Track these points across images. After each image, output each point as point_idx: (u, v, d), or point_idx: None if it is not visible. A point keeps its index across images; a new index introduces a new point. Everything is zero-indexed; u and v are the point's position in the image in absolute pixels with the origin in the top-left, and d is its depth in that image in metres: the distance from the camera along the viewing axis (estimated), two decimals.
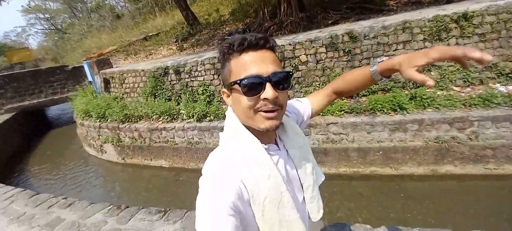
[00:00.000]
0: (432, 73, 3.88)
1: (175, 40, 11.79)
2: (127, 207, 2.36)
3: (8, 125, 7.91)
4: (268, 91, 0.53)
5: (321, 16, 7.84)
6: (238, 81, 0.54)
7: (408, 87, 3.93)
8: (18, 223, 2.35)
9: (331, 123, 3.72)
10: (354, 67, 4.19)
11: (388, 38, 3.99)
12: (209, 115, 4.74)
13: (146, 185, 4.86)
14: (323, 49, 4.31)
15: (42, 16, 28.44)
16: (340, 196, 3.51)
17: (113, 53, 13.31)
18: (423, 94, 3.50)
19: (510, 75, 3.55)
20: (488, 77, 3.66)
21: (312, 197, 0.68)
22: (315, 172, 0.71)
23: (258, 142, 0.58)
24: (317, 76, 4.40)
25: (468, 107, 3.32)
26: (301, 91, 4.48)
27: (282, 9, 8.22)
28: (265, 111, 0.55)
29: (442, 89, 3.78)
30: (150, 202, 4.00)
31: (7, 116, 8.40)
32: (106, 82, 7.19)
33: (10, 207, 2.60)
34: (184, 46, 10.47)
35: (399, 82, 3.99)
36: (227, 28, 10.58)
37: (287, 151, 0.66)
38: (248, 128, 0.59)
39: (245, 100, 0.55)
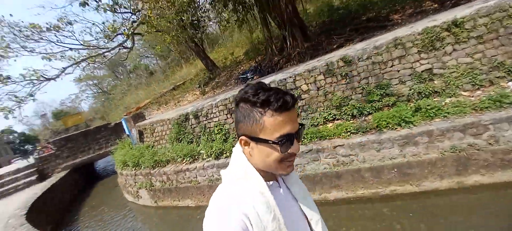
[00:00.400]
0: (435, 82, 3.85)
1: (198, 86, 13.04)
2: None
3: (63, 181, 9.21)
4: (296, 147, 0.60)
5: (326, 43, 8.23)
6: (277, 142, 0.58)
7: (413, 100, 3.91)
8: None
9: (338, 146, 3.80)
10: (354, 88, 4.35)
11: (382, 57, 4.15)
12: (225, 152, 5.12)
13: (172, 226, 5.19)
14: (321, 77, 4.59)
15: (91, 82, 33.86)
16: (363, 219, 3.39)
17: (148, 105, 14.99)
18: (428, 105, 3.47)
19: None
20: (497, 77, 3.51)
21: (319, 230, 0.71)
22: (315, 206, 0.74)
23: (264, 183, 0.62)
24: (320, 102, 4.61)
25: (480, 111, 3.19)
26: (307, 118, 4.68)
27: (288, 43, 8.83)
28: (289, 161, 0.62)
29: (450, 97, 3.69)
30: None
31: (62, 173, 9.82)
32: (140, 133, 8.21)
33: None
34: (206, 90, 11.50)
35: (403, 96, 4.00)
36: (241, 68, 11.51)
37: (288, 188, 0.72)
38: (255, 167, 0.63)
39: (276, 155, 0.59)
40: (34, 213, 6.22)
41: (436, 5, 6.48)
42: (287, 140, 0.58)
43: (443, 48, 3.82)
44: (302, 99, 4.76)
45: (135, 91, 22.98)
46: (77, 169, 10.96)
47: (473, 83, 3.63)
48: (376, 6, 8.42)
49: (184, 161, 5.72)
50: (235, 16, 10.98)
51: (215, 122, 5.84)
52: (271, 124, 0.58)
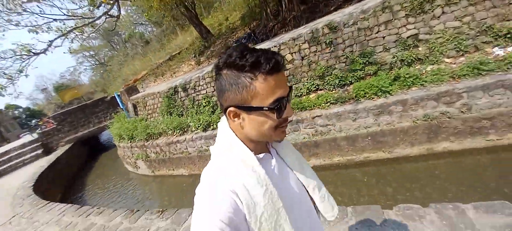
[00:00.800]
0: (419, 48, 3.72)
1: (193, 55, 12.65)
2: (138, 210, 2.96)
3: (68, 154, 9.70)
4: (289, 110, 0.57)
5: (323, 4, 7.73)
6: (273, 107, 0.53)
7: (396, 68, 3.83)
8: (66, 230, 3.15)
9: (316, 116, 3.86)
10: (338, 57, 4.25)
11: (369, 22, 3.95)
12: (212, 124, 5.25)
13: (169, 191, 5.61)
14: (306, 45, 4.44)
15: (87, 54, 33.11)
16: (339, 183, 3.61)
17: (146, 77, 14.78)
18: (406, 74, 3.42)
19: (509, 36, 3.22)
20: (484, 42, 3.37)
21: (322, 196, 0.69)
22: (313, 172, 0.72)
23: (253, 156, 0.58)
24: (304, 72, 4.55)
25: (457, 79, 3.15)
26: (293, 90, 4.66)
27: (283, 6, 8.30)
28: (283, 127, 0.58)
29: (433, 64, 3.60)
30: (169, 206, 4.66)
31: (66, 147, 10.28)
32: (134, 107, 8.33)
33: (61, 219, 3.46)
34: (201, 60, 11.17)
35: (386, 64, 3.91)
36: (237, 35, 11.02)
37: (282, 159, 0.68)
38: (245, 140, 0.60)
39: (271, 122, 0.55)
40: (42, 184, 6.71)
41: None
42: (281, 104, 0.54)
43: (432, 10, 3.60)
44: (287, 69, 4.69)
45: (132, 62, 22.21)
46: (81, 141, 11.43)
47: (458, 49, 3.51)
48: None
49: (175, 133, 5.91)
50: None
51: (203, 94, 5.87)
52: (264, 88, 0.52)
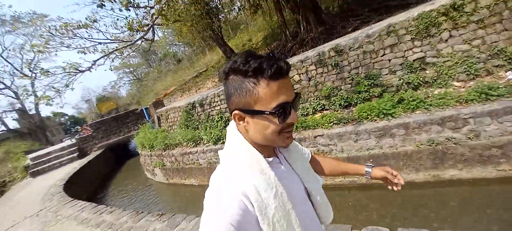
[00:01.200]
0: (427, 71, 3.66)
1: (217, 73, 13.41)
2: (142, 212, 3.24)
3: (98, 158, 10.70)
4: (294, 116, 0.58)
5: (340, 26, 7.90)
6: (274, 112, 0.54)
7: (403, 90, 3.78)
8: (82, 225, 3.54)
9: (318, 135, 3.91)
10: (344, 79, 4.32)
11: (374, 45, 4.01)
12: (222, 138, 5.53)
13: (178, 199, 5.89)
14: (313, 67, 4.61)
15: (127, 70, 37.08)
16: (342, 204, 3.53)
17: (174, 92, 15.91)
18: (410, 97, 3.37)
19: None
20: (496, 66, 3.22)
21: (321, 202, 0.71)
22: (317, 178, 0.75)
23: (262, 159, 0.59)
24: (311, 92, 4.67)
25: (464, 104, 3.02)
26: (299, 108, 4.79)
27: (301, 28, 8.64)
28: (287, 132, 0.59)
29: (441, 87, 3.50)
30: (174, 211, 4.91)
31: (98, 152, 11.36)
32: (158, 119, 9.07)
33: (79, 215, 3.90)
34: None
35: (392, 86, 3.88)
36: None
37: (290, 164, 0.70)
38: (252, 144, 0.61)
39: (274, 126, 0.56)
40: (72, 184, 7.50)
41: None
42: (284, 109, 0.55)
43: (439, 34, 3.57)
44: (294, 90, 4.84)
45: (164, 78, 23.89)
46: (111, 148, 12.55)
47: (468, 72, 3.39)
48: None
49: (189, 144, 6.30)
50: (249, 2, 10.91)
51: (217, 110, 6.25)
52: (266, 93, 0.54)
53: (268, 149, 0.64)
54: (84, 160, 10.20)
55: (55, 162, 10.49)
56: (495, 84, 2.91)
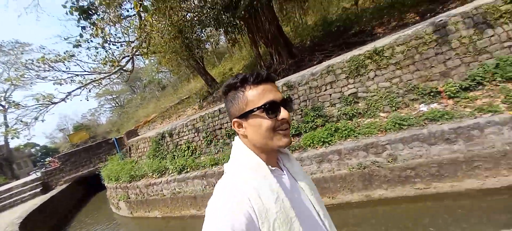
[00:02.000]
0: (359, 104, 4.21)
1: (198, 100, 13.69)
2: None
3: (62, 193, 10.09)
4: (284, 113, 0.63)
5: (307, 59, 8.71)
6: (261, 107, 0.61)
7: (341, 120, 4.27)
8: None
9: None
10: (295, 111, 4.79)
11: (317, 82, 4.60)
12: (186, 168, 5.64)
13: None
14: None
15: (110, 97, 36.21)
16: None
17: (155, 119, 15.59)
18: (344, 126, 3.84)
19: (432, 94, 3.68)
20: (412, 100, 3.82)
21: (330, 225, 0.71)
22: (322, 201, 0.75)
23: (264, 165, 0.63)
24: None
25: (384, 132, 3.51)
26: None
27: (274, 60, 9.44)
28: (282, 130, 0.64)
29: (371, 117, 4.03)
30: None
31: (64, 186, 10.74)
32: (129, 149, 8.98)
33: None
34: (204, 105, 12.00)
35: (333, 117, 4.37)
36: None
37: (294, 178, 0.71)
38: (254, 149, 0.65)
39: (266, 122, 0.62)
40: (30, 222, 6.99)
41: (417, 17, 6.63)
42: (271, 106, 0.61)
43: (367, 73, 4.21)
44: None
45: (147, 105, 23.47)
46: (78, 181, 11.90)
47: (390, 105, 3.96)
48: (372, 15, 8.21)
49: (154, 175, 6.30)
50: (227, 36, 11.84)
51: (185, 140, 6.43)
52: (253, 95, 0.63)
53: (271, 158, 0.68)
54: (47, 195, 9.58)
55: (16, 198, 9.75)
56: (407, 116, 3.45)
